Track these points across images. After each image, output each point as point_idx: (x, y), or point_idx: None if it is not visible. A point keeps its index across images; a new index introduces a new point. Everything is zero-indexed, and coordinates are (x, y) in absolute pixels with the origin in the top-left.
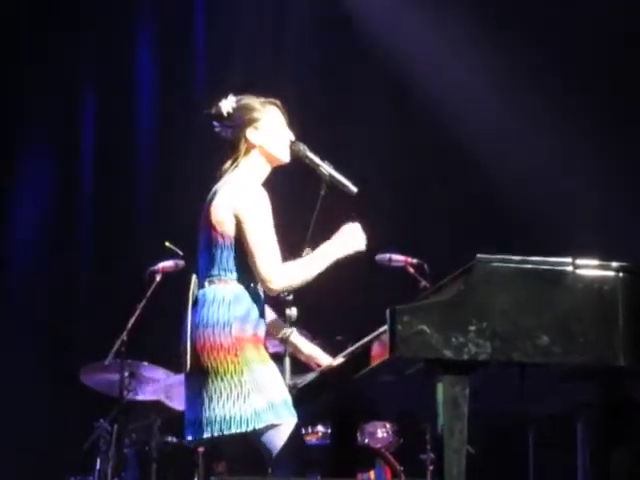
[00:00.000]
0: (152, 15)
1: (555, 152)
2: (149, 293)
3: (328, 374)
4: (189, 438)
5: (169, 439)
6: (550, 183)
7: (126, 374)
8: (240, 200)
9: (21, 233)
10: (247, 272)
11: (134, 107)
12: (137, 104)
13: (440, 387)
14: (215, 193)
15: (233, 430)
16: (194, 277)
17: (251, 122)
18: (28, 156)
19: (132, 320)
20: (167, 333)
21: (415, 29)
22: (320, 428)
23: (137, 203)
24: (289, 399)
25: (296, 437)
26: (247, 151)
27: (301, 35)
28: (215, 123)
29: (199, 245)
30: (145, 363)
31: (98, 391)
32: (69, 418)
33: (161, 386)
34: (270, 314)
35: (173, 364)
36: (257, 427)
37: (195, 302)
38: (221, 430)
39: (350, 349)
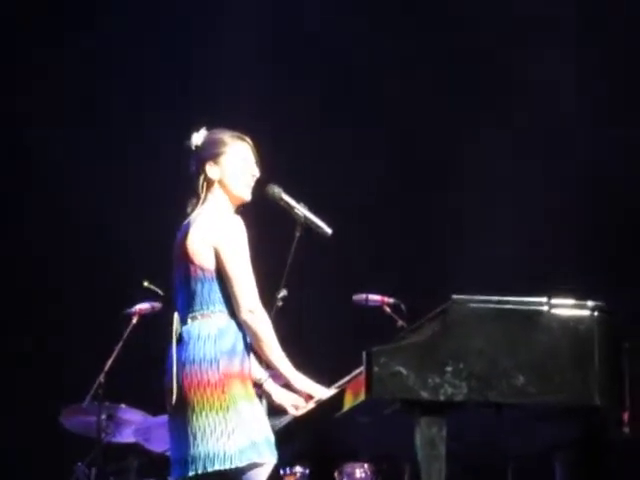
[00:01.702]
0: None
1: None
2: (126, 335)
3: (305, 416)
4: (174, 477)
5: None
6: (530, 222)
7: (104, 416)
8: (217, 230)
9: None
10: (230, 303)
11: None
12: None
13: (417, 428)
14: (188, 226)
15: (216, 467)
16: (176, 315)
17: (213, 157)
18: None
19: (109, 362)
20: (144, 375)
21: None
22: (298, 469)
23: (113, 244)
24: (272, 438)
25: (274, 478)
26: (209, 187)
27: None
28: (189, 155)
29: (176, 281)
30: (123, 405)
31: (76, 433)
32: (48, 460)
33: (139, 428)
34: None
35: (155, 404)
36: (239, 465)
37: (179, 339)
38: (205, 467)
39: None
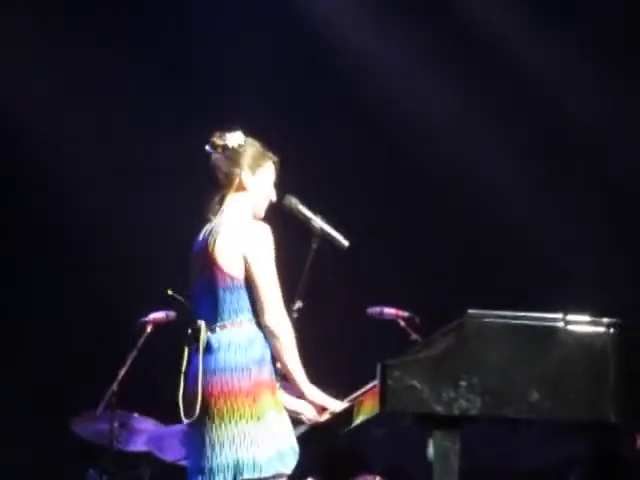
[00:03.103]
0: None
1: (548, 203)
2: (140, 344)
3: (318, 428)
4: None
5: None
6: (545, 234)
7: (116, 425)
8: (247, 239)
9: None
10: (257, 312)
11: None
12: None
13: (431, 442)
14: (213, 234)
15: (245, 476)
16: (202, 323)
17: (253, 166)
18: None
19: (123, 371)
20: (158, 384)
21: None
22: None
23: (127, 252)
24: (297, 448)
25: None
26: (236, 191)
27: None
28: (211, 149)
29: (198, 289)
30: (135, 414)
31: (89, 441)
32: (60, 467)
33: (151, 437)
34: None
35: (168, 413)
36: (267, 475)
37: (207, 347)
38: (234, 476)
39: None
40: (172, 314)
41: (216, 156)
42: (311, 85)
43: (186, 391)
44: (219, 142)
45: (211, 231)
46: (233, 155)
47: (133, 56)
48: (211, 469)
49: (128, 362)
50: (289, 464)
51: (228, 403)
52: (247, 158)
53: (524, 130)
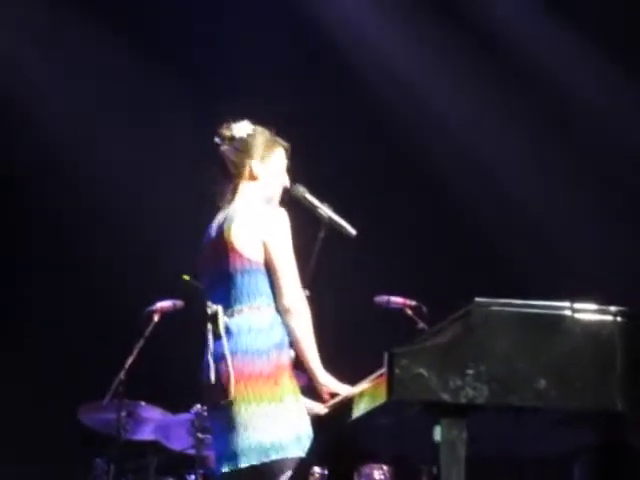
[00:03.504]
0: None
1: (552, 189)
2: (147, 333)
3: (325, 416)
4: (224, 470)
5: (165, 479)
6: (553, 226)
7: (123, 414)
8: (265, 223)
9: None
10: (275, 297)
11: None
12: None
13: (438, 430)
14: (229, 220)
15: (272, 457)
16: (219, 308)
17: (260, 155)
18: None
19: (130, 360)
20: (165, 373)
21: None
22: (317, 470)
23: (136, 240)
24: (311, 435)
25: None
26: (248, 181)
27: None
28: (219, 140)
29: (213, 275)
30: (142, 403)
31: (96, 430)
32: (67, 456)
33: (158, 426)
34: None
35: (175, 402)
36: (291, 456)
37: (227, 331)
38: (258, 458)
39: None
40: (179, 303)
41: (225, 147)
42: (314, 71)
43: (206, 376)
44: (227, 133)
45: (225, 218)
46: (242, 145)
47: (134, 42)
48: (235, 452)
49: (135, 351)
50: (305, 448)
51: (249, 386)
52: (256, 147)
53: (525, 113)
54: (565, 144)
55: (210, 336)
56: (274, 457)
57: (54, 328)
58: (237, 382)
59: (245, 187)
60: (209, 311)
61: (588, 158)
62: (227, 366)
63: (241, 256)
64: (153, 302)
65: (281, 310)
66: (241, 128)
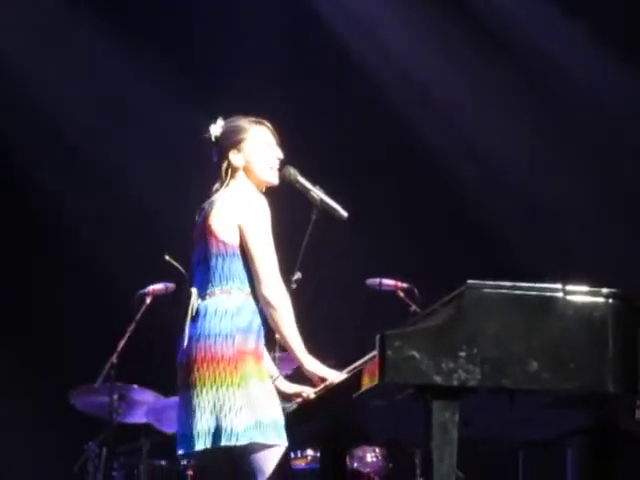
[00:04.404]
0: None
1: (549, 171)
2: (139, 316)
3: (317, 399)
4: (180, 452)
5: (158, 462)
6: (550, 209)
7: (116, 397)
8: (242, 208)
9: None
10: (249, 281)
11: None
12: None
13: (430, 412)
14: (212, 204)
15: (223, 442)
16: (194, 290)
17: (235, 144)
18: None
19: (122, 343)
20: (157, 356)
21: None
22: (309, 452)
23: (126, 223)
24: (280, 421)
25: (284, 464)
26: (233, 174)
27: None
28: (207, 146)
29: (195, 258)
30: (135, 386)
31: (88, 414)
32: (58, 440)
33: (151, 409)
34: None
35: (167, 385)
36: (243, 443)
37: (196, 314)
38: (213, 442)
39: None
40: (171, 286)
41: (210, 151)
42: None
43: (177, 359)
44: (206, 136)
45: (211, 202)
46: (217, 144)
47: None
48: (191, 435)
49: (127, 334)
50: (269, 436)
51: (210, 369)
52: (228, 139)
53: (521, 94)
54: (565, 127)
55: (187, 318)
56: (224, 443)
57: (46, 312)
58: (200, 365)
59: (233, 177)
60: (189, 293)
61: (587, 141)
62: (190, 350)
63: (217, 239)
64: (145, 285)
65: (260, 300)
66: (215, 128)
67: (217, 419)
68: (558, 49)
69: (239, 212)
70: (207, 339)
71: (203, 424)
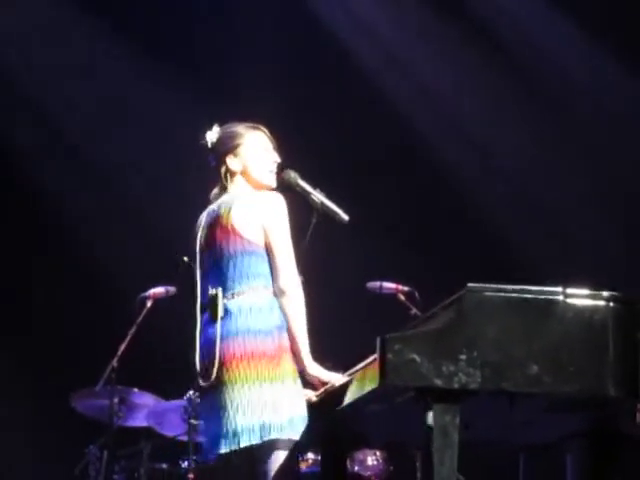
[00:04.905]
0: None
1: (552, 180)
2: (140, 319)
3: (319, 402)
4: (223, 450)
5: (159, 466)
6: (550, 209)
7: (116, 400)
8: (264, 206)
9: None
10: (274, 280)
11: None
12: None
13: (430, 416)
14: (227, 205)
15: (272, 436)
16: (218, 290)
17: (231, 149)
18: None
19: (123, 346)
20: (158, 360)
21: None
22: (310, 455)
23: (127, 228)
24: (306, 419)
25: (294, 459)
26: (232, 178)
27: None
28: (205, 153)
29: (210, 259)
30: (135, 389)
31: (89, 417)
32: (59, 444)
33: (151, 412)
34: None
35: (168, 388)
36: (283, 437)
37: (226, 313)
38: (261, 437)
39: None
40: (172, 289)
41: (208, 157)
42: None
43: (201, 359)
44: (202, 143)
45: (221, 204)
46: (214, 150)
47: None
48: (235, 431)
49: (128, 338)
50: (298, 431)
51: (252, 365)
52: (224, 145)
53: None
54: (565, 127)
55: (205, 320)
56: (272, 437)
57: (47, 315)
58: (240, 361)
59: (233, 182)
60: (209, 294)
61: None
62: (227, 347)
63: (242, 238)
64: (145, 285)
65: (277, 291)
66: (211, 134)
67: (262, 414)
68: (558, 49)
69: (261, 211)
70: (247, 335)
71: (248, 420)
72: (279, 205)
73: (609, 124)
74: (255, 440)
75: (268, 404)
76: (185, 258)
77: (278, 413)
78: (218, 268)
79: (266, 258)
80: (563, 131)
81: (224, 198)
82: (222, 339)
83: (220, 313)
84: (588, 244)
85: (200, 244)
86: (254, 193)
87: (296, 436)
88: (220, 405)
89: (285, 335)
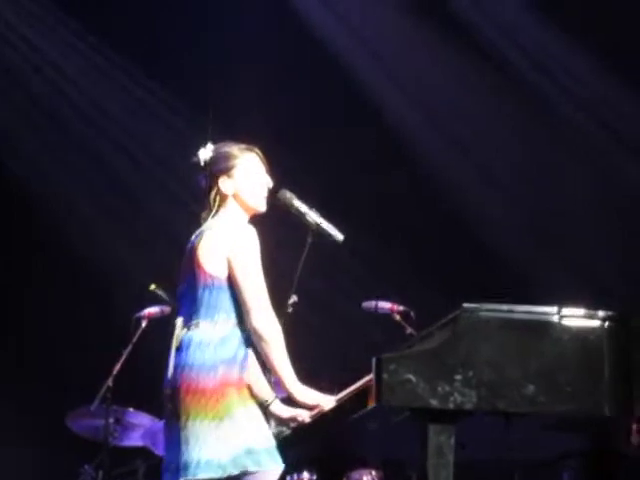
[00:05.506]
0: None
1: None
2: (135, 339)
3: (313, 422)
4: None
5: None
6: (547, 226)
7: (111, 420)
8: (230, 240)
9: None
10: (237, 312)
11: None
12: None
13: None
14: (200, 235)
15: (210, 474)
16: (179, 320)
17: (225, 171)
18: None
19: (118, 366)
20: (153, 379)
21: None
22: (306, 475)
23: (123, 248)
24: (272, 444)
25: None
26: (222, 200)
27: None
28: (195, 171)
29: (182, 289)
30: (130, 409)
31: (84, 436)
32: (55, 463)
33: (147, 432)
34: (256, 371)
35: (158, 409)
36: (233, 473)
37: (180, 345)
38: (196, 474)
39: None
40: (167, 309)
41: (198, 175)
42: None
43: (164, 386)
44: (195, 160)
45: (200, 233)
46: (206, 169)
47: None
48: (178, 466)
49: (123, 357)
50: (262, 462)
51: (195, 400)
52: (217, 165)
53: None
54: (562, 132)
55: (172, 348)
56: (212, 475)
57: (42, 334)
58: (185, 396)
59: (223, 205)
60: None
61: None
62: (177, 379)
63: (204, 272)
64: (141, 308)
65: (249, 329)
66: (204, 152)
67: (201, 451)
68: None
69: (227, 244)
70: (190, 370)
71: (188, 456)
72: (247, 238)
73: (607, 129)
74: (191, 476)
75: (208, 441)
76: (152, 286)
77: (221, 449)
78: (185, 299)
79: (229, 292)
80: (562, 135)
81: (209, 223)
82: (175, 370)
83: (175, 344)
84: (586, 249)
85: (180, 272)
86: (225, 225)
87: (261, 466)
88: (169, 439)
89: (236, 368)
